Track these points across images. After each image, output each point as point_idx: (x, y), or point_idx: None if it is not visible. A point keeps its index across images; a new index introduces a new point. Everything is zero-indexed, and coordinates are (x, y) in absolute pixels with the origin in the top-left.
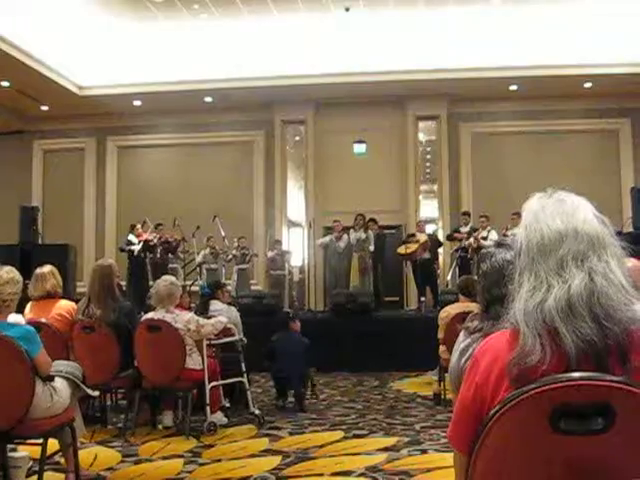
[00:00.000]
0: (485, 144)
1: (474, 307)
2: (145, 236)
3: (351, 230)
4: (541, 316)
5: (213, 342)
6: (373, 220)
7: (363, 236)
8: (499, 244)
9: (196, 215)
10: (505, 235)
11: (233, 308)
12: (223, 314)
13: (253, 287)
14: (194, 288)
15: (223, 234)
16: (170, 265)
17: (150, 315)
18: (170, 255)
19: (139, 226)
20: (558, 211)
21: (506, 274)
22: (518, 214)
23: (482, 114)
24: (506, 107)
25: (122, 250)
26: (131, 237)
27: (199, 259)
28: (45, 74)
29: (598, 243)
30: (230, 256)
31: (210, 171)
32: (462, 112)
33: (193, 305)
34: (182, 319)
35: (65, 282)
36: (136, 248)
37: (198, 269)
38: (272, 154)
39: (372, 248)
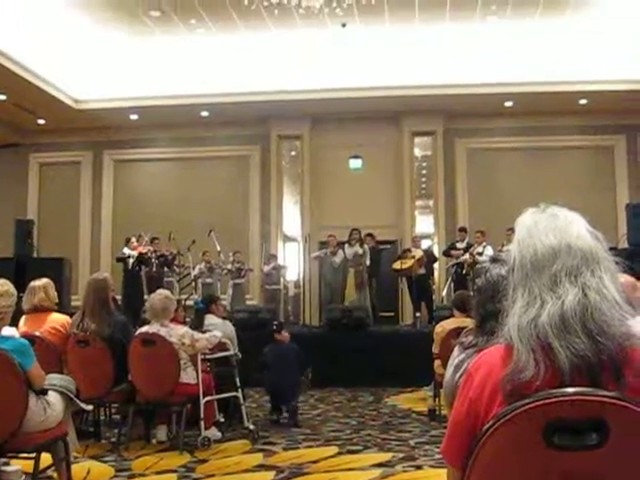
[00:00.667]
0: (481, 160)
1: (469, 322)
2: (140, 249)
3: (346, 245)
4: (535, 332)
5: (207, 356)
6: (370, 235)
7: (360, 251)
8: (494, 259)
9: (192, 229)
10: (500, 251)
11: (228, 322)
12: (218, 328)
13: (248, 301)
14: (189, 302)
15: (218, 248)
16: (165, 279)
17: (145, 329)
18: (165, 269)
19: (134, 239)
20: (551, 226)
21: (501, 289)
22: (513, 230)
23: (478, 130)
24: (501, 123)
25: (118, 259)
26: (126, 250)
27: (194, 273)
28: (42, 87)
29: (591, 258)
30: (225, 270)
31: (206, 185)
32: (458, 128)
33: (188, 319)
34: (177, 333)
35: (60, 296)
36: (130, 260)
37: (193, 283)
38: (268, 169)
39: (368, 262)
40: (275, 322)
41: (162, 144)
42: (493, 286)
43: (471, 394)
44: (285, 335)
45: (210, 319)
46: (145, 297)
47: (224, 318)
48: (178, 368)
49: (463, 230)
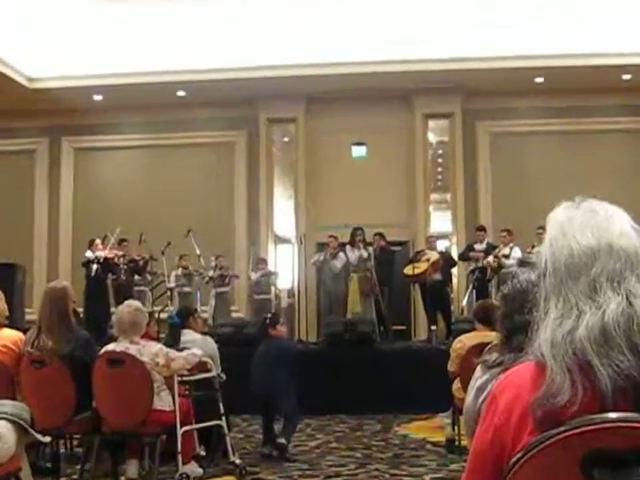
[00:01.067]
0: (506, 146)
1: (493, 337)
2: (106, 252)
3: (348, 247)
4: (571, 348)
5: (185, 379)
6: (380, 235)
7: (365, 254)
8: (522, 263)
9: (167, 229)
10: (530, 253)
11: (209, 339)
12: (197, 346)
13: (233, 314)
14: (164, 315)
15: (198, 252)
16: (136, 288)
17: (111, 347)
18: (136, 276)
19: (99, 241)
20: (589, 223)
21: (530, 298)
22: (544, 228)
23: (503, 111)
24: (531, 103)
25: (83, 264)
26: (89, 254)
27: (170, 281)
28: None
29: (637, 261)
30: (206, 277)
31: (183, 177)
32: (479, 109)
33: (162, 335)
34: (149, 351)
35: (11, 308)
36: (94, 266)
37: (169, 293)
38: (256, 157)
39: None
40: (269, 314)
41: (131, 129)
42: (522, 294)
43: (496, 421)
44: (281, 329)
45: (188, 335)
46: (112, 309)
47: (204, 333)
48: (151, 392)
49: (482, 229)
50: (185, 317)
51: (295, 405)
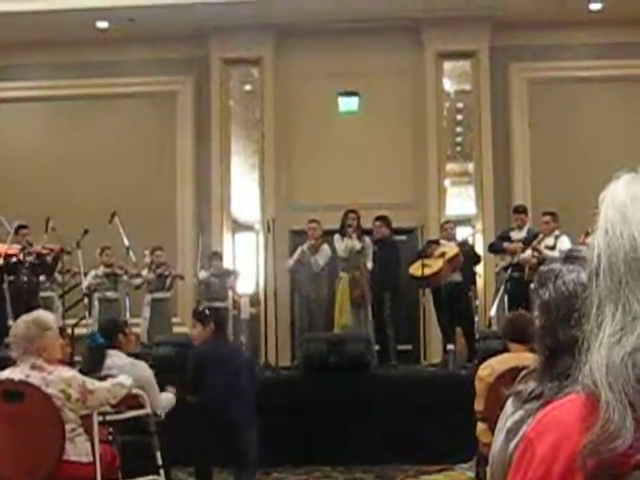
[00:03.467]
0: (550, 97)
1: (531, 359)
2: (4, 247)
3: (336, 236)
4: (634, 373)
5: (110, 418)
6: (382, 219)
7: (358, 245)
8: (569, 257)
9: (83, 212)
10: (583, 243)
11: (142, 364)
12: (126, 373)
13: (176, 328)
14: (80, 330)
15: (127, 243)
16: (42, 293)
17: (6, 374)
18: (41, 277)
19: None
20: None
21: (580, 306)
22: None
23: (545, 49)
24: (584, 38)
25: None
26: None
27: (87, 283)
28: None
29: None
30: (139, 279)
31: (106, 141)
32: (513, 46)
33: (78, 359)
34: (58, 380)
35: None
36: None
37: (86, 300)
38: (206, 113)
39: (370, 265)
40: (200, 308)
41: (33, 74)
42: (568, 301)
43: (531, 474)
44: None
45: (114, 358)
46: (10, 323)
47: (135, 356)
48: (61, 438)
49: (521, 211)
50: (112, 334)
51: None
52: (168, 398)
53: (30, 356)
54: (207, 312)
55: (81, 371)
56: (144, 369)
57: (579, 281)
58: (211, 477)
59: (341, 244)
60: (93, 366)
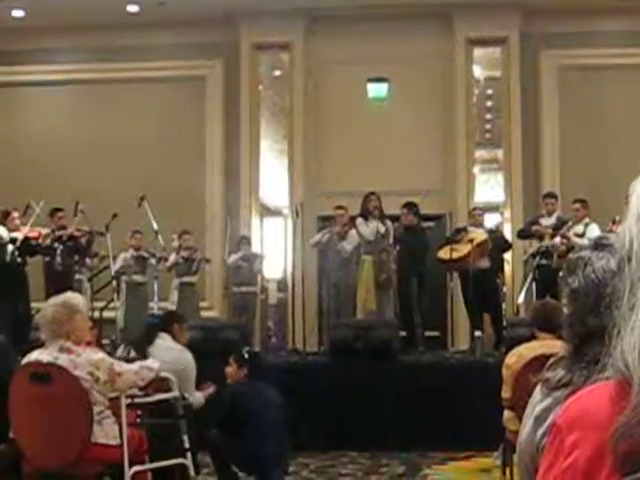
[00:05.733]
0: (581, 84)
1: (560, 347)
2: (25, 230)
3: (358, 220)
4: None
5: (138, 401)
6: (411, 206)
7: (382, 228)
8: (598, 244)
9: (112, 196)
10: (612, 231)
11: (189, 354)
12: (173, 358)
13: (204, 312)
14: (108, 314)
15: (155, 227)
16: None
17: (35, 356)
18: (76, 258)
19: (16, 214)
20: None
21: (610, 292)
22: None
23: (575, 36)
24: (614, 25)
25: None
26: (2, 232)
27: (117, 267)
28: None
29: None
30: (168, 262)
31: (135, 125)
32: (543, 33)
33: (106, 342)
34: (87, 362)
35: None
36: (9, 248)
37: (114, 283)
38: (236, 98)
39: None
40: (245, 349)
41: (64, 58)
42: (597, 288)
43: (561, 461)
44: (237, 372)
45: (165, 341)
46: (35, 306)
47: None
48: (89, 420)
49: (552, 196)
50: (168, 322)
51: None
52: (198, 397)
53: (59, 338)
54: (246, 356)
55: (135, 349)
56: (189, 359)
57: (608, 268)
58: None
59: (366, 227)
60: (142, 347)
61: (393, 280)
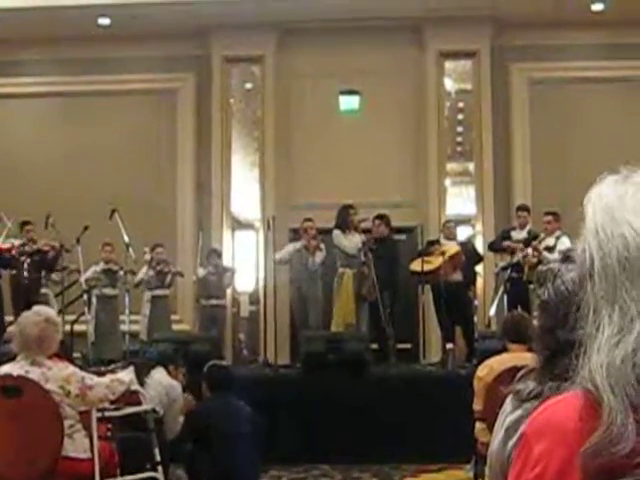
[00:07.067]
0: (551, 97)
1: (530, 359)
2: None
3: (336, 232)
4: (634, 375)
5: (108, 414)
6: (382, 218)
7: (358, 242)
8: (567, 256)
9: (83, 209)
10: None
11: (178, 387)
12: (162, 391)
13: (175, 325)
14: (80, 327)
15: (127, 240)
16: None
17: (5, 369)
18: (43, 273)
19: None
20: None
21: (580, 306)
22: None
23: (547, 49)
24: (585, 38)
25: None
26: None
27: (85, 277)
28: None
29: None
30: (137, 278)
31: (106, 138)
32: (514, 46)
33: (76, 355)
34: (57, 376)
35: None
36: None
37: (85, 296)
38: (207, 111)
39: (362, 259)
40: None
41: (34, 70)
42: (567, 300)
43: (529, 471)
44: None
45: (157, 374)
46: (9, 318)
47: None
48: (60, 433)
49: (524, 209)
50: (167, 360)
51: None
52: (177, 427)
53: (30, 352)
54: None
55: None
56: (179, 394)
57: (578, 280)
58: None
59: (345, 240)
60: (139, 371)
61: (375, 293)
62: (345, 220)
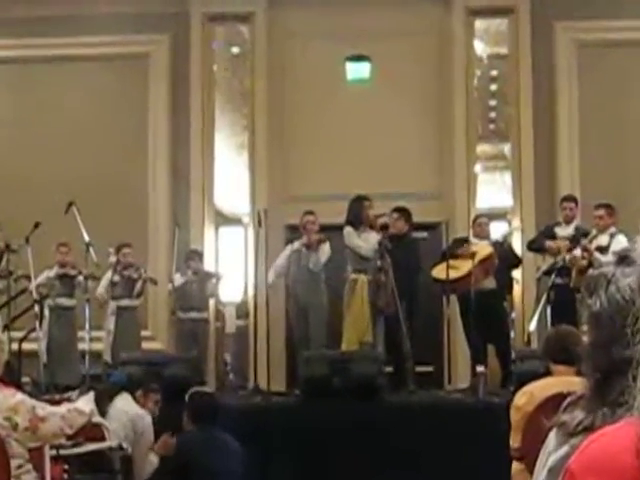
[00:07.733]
0: (605, 63)
1: (579, 384)
2: None
3: (348, 229)
4: None
5: (64, 452)
6: (401, 211)
7: (373, 241)
8: (623, 258)
9: (34, 202)
10: None
11: (146, 415)
12: (128, 421)
13: (146, 344)
14: (30, 345)
15: (87, 239)
16: None
17: None
18: None
19: None
20: None
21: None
22: None
23: (598, 4)
24: None
25: None
26: None
27: (36, 283)
28: None
29: None
30: (103, 283)
31: (63, 113)
32: (558, 2)
33: (26, 379)
34: (2, 405)
35: None
36: None
37: (36, 307)
38: (185, 80)
39: (379, 264)
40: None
41: None
42: (624, 312)
43: None
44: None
45: (123, 401)
46: None
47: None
48: (6, 476)
49: (571, 200)
50: (134, 386)
51: None
52: (152, 463)
53: None
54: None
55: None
56: (148, 425)
57: (637, 287)
58: None
59: (358, 239)
60: (101, 399)
61: (393, 304)
62: (358, 215)
